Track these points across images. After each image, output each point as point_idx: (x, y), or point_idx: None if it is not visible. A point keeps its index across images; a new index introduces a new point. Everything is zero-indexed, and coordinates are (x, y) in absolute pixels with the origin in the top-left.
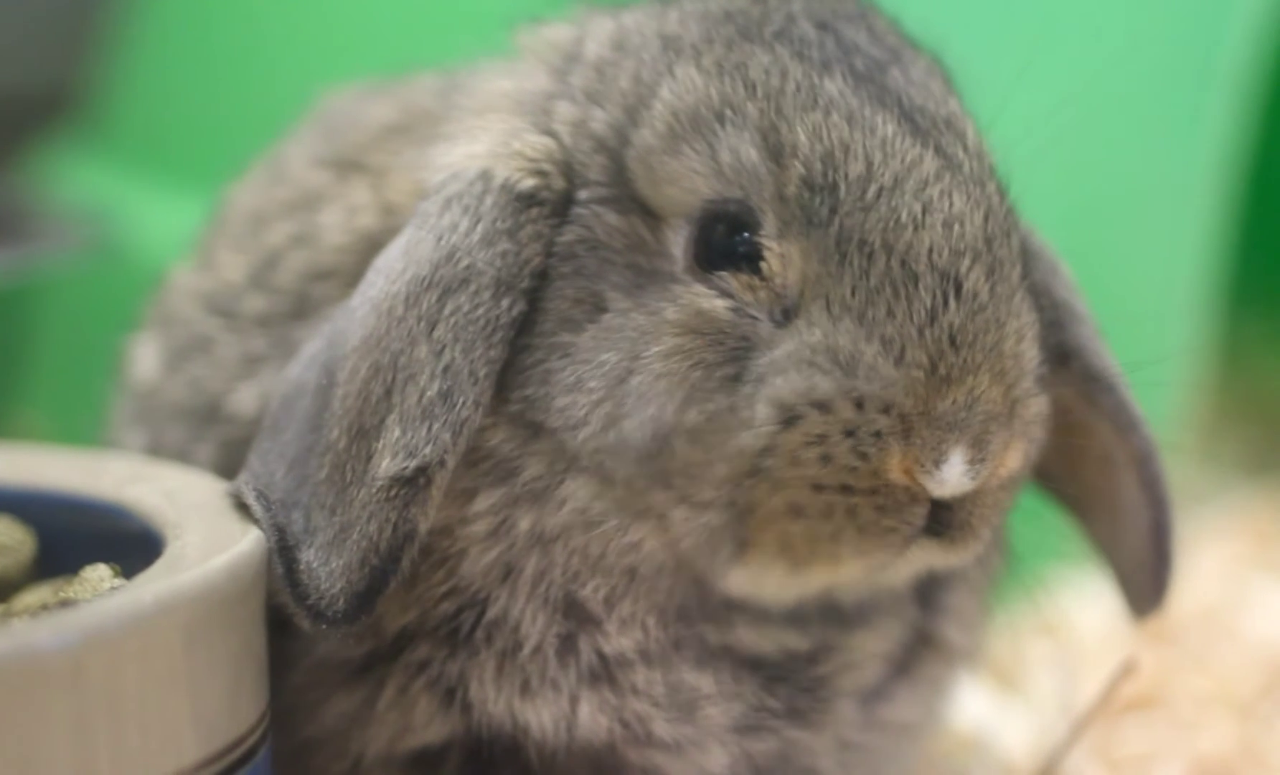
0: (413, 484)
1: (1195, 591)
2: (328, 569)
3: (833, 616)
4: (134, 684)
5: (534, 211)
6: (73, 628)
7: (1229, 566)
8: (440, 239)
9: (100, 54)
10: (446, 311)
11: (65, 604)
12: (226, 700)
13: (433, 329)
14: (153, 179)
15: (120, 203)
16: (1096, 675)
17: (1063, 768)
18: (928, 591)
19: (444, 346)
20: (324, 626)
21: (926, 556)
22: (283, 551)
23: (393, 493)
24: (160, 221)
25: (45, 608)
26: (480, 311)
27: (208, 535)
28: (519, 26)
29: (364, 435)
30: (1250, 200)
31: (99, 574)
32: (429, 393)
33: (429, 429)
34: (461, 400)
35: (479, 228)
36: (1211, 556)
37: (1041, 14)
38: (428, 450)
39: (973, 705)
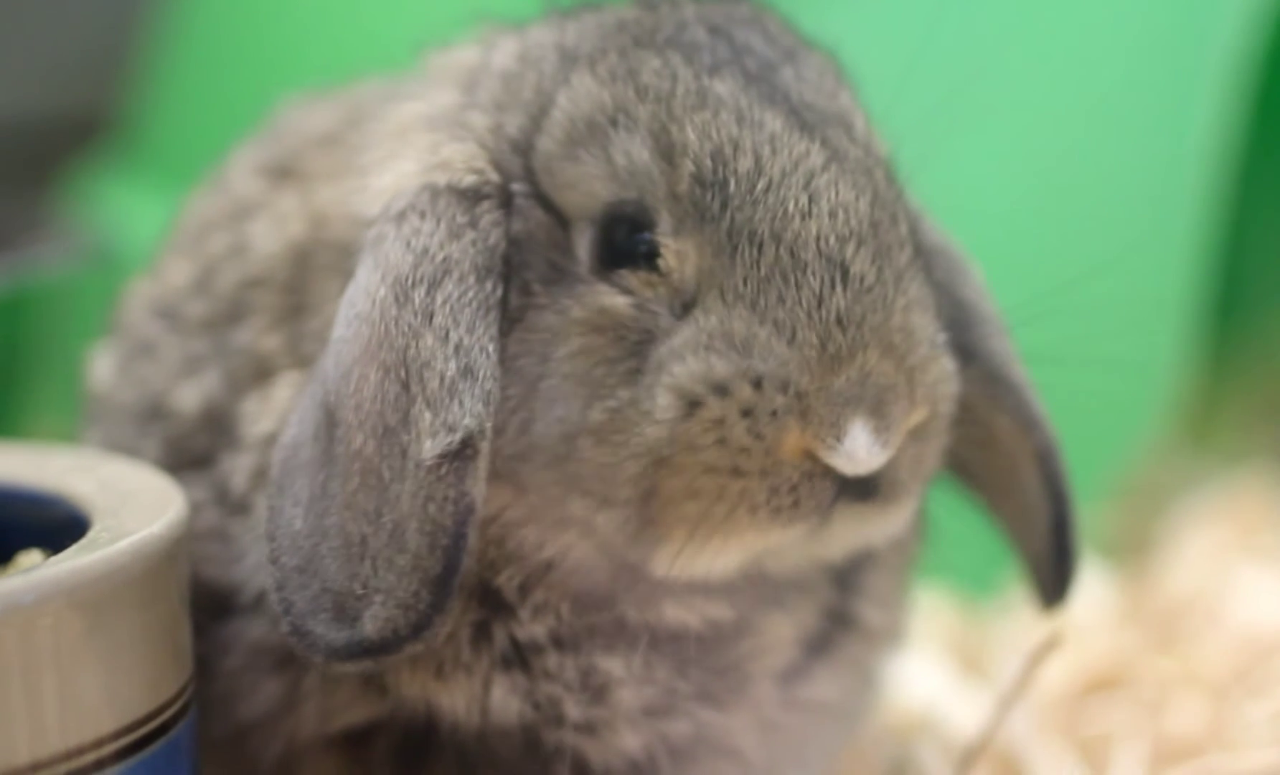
0: (461, 456)
1: (1179, 576)
2: (394, 570)
3: (759, 588)
4: (48, 657)
5: (485, 204)
6: None
7: (1215, 552)
8: (408, 244)
9: (135, 77)
10: (439, 301)
11: None
12: (141, 674)
13: (431, 318)
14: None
15: (154, 223)
16: (1066, 658)
17: (1014, 746)
18: (844, 572)
19: (448, 330)
20: (422, 634)
21: (859, 524)
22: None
23: (443, 471)
24: None
25: None
26: (470, 294)
27: (129, 520)
28: (429, 50)
29: (391, 433)
30: (1242, 192)
31: (31, 559)
32: (449, 373)
33: (460, 404)
34: (482, 373)
35: (441, 226)
36: (1198, 542)
37: (1035, 14)
38: (468, 421)
39: (925, 684)
